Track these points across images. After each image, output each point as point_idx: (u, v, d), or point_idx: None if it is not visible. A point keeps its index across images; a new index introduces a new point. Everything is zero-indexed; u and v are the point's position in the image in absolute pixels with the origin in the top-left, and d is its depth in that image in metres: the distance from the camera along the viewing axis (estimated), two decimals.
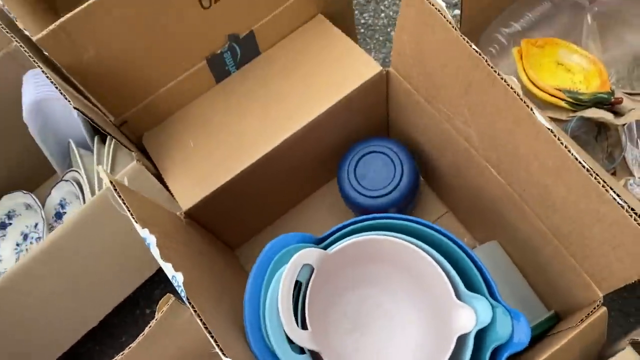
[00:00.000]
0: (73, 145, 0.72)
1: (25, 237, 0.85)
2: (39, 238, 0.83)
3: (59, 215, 0.83)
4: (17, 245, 0.85)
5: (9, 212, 0.85)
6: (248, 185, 0.66)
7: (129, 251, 0.67)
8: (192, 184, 0.63)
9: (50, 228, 0.80)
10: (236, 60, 0.69)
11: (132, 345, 0.40)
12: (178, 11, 0.58)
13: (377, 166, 0.67)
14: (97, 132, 0.75)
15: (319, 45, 0.70)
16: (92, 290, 0.67)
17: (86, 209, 0.61)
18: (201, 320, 0.42)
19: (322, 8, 0.72)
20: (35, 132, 0.74)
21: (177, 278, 0.44)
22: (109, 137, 0.72)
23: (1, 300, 0.58)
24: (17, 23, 0.52)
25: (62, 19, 0.50)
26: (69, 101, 0.51)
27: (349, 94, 0.65)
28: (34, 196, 0.80)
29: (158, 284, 0.79)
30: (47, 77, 0.54)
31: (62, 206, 0.83)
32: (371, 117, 0.73)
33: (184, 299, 0.43)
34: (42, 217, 0.78)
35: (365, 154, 0.68)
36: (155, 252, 0.45)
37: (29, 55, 0.52)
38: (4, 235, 0.85)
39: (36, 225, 0.84)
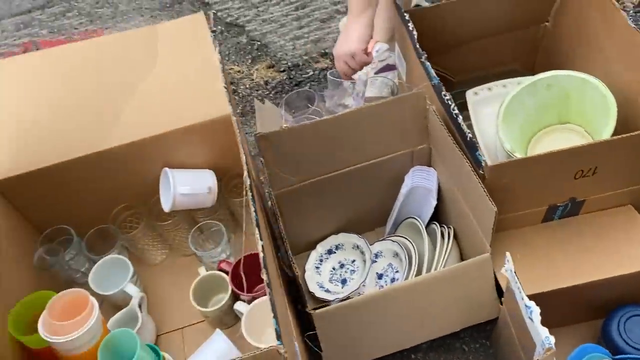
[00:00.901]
0: (422, 227, 1.04)
1: (342, 266, 1.17)
2: (353, 271, 1.16)
3: None
4: (333, 269, 1.17)
5: (339, 244, 1.18)
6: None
7: (445, 308, 0.96)
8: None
9: None
10: (563, 213, 0.98)
11: None
12: (556, 179, 0.89)
13: None
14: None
15: (625, 227, 0.97)
16: (417, 323, 0.96)
17: (436, 275, 0.91)
18: None
19: (632, 201, 0.99)
20: (398, 204, 1.08)
21: (550, 339, 0.69)
22: (448, 229, 1.04)
23: (382, 303, 0.89)
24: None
25: None
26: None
27: (635, 272, 0.89)
28: (367, 242, 1.13)
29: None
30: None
31: (377, 255, 1.15)
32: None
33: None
34: (369, 258, 1.10)
35: (635, 315, 0.91)
36: (537, 319, 0.71)
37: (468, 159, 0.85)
38: (328, 258, 1.18)
39: (353, 261, 1.17)
